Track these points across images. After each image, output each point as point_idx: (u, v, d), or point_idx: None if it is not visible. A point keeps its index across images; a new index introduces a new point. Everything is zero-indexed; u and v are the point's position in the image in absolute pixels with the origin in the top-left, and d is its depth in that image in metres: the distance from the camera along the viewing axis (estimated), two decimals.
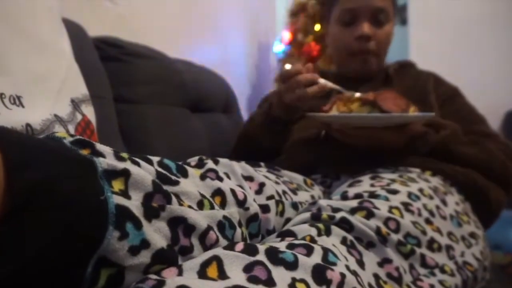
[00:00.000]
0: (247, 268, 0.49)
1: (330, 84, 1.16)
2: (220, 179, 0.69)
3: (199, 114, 1.72)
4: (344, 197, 0.84)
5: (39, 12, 0.84)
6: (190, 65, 1.81)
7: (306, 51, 3.41)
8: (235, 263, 0.50)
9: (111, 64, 1.36)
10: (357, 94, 1.18)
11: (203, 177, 0.64)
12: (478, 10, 3.67)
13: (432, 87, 1.36)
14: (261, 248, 0.53)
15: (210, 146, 1.67)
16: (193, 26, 2.50)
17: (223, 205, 0.64)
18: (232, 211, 0.64)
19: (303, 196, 0.91)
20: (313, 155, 1.23)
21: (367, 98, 1.10)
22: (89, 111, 0.92)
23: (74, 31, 1.15)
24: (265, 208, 0.74)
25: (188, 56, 1.89)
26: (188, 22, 2.44)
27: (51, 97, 0.79)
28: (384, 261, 0.69)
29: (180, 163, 0.65)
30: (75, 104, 0.86)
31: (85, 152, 0.48)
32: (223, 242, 0.59)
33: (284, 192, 0.84)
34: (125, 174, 0.49)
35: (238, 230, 0.63)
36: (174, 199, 0.53)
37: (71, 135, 0.50)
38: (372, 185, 0.90)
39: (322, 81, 1.14)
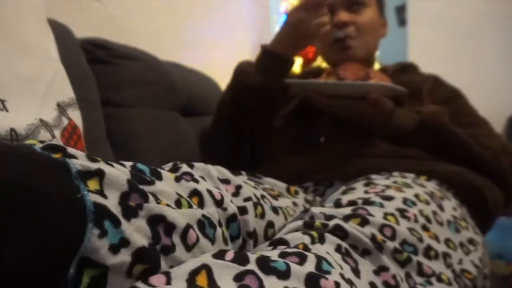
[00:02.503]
0: (238, 278, 0.49)
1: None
2: (196, 181, 0.70)
3: (190, 118, 1.72)
4: (338, 204, 0.84)
5: (24, 13, 0.84)
6: (181, 67, 1.82)
7: (301, 53, 3.42)
8: (225, 272, 0.50)
9: (99, 67, 1.36)
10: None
11: (178, 179, 0.66)
12: (479, 10, 3.66)
13: (428, 90, 1.37)
14: (252, 257, 0.53)
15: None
16: (184, 27, 2.50)
17: (201, 205, 0.65)
18: (211, 211, 0.65)
19: (284, 202, 0.92)
20: (305, 161, 1.24)
21: (335, 70, 1.27)
22: (75, 115, 0.92)
23: (60, 32, 1.15)
24: (242, 210, 0.75)
25: (179, 58, 1.90)
26: (178, 23, 2.44)
27: (37, 101, 0.79)
28: (380, 269, 0.69)
29: (153, 167, 0.65)
30: (61, 108, 0.87)
31: (57, 155, 0.49)
32: (203, 241, 0.59)
33: (263, 197, 0.85)
34: (99, 174, 0.50)
35: (219, 230, 0.64)
36: (151, 197, 0.54)
37: (41, 142, 0.51)
38: (366, 192, 0.91)
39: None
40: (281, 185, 1.03)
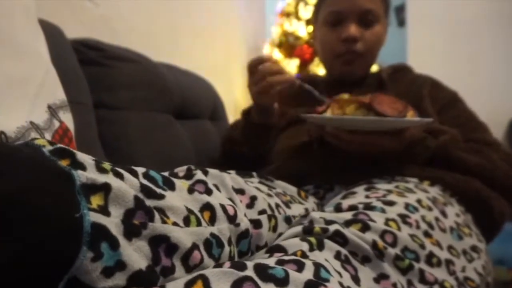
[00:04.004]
0: (235, 285, 0.49)
1: (299, 82, 1.23)
2: (209, 192, 0.69)
3: (184, 121, 1.72)
4: (338, 209, 0.84)
5: (14, 13, 0.84)
6: (175, 69, 1.82)
7: (298, 54, 3.42)
8: (222, 280, 0.49)
9: (91, 68, 1.36)
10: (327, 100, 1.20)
11: (191, 190, 0.65)
12: (479, 10, 3.67)
13: (428, 92, 1.37)
14: (249, 264, 0.53)
15: (196, 155, 1.67)
16: (177, 28, 2.50)
17: (212, 220, 0.64)
18: (222, 228, 0.64)
19: (296, 210, 0.91)
20: (305, 164, 1.24)
21: (363, 101, 1.11)
22: (67, 118, 0.92)
23: (52, 32, 1.14)
24: (257, 223, 0.74)
25: (173, 59, 1.89)
26: (172, 24, 2.44)
27: (27, 103, 0.79)
28: (381, 277, 0.69)
29: (166, 174, 0.65)
30: (52, 111, 0.86)
31: (64, 162, 0.48)
32: (208, 261, 0.59)
33: (277, 206, 0.85)
34: (105, 188, 0.49)
35: (226, 249, 0.63)
36: (157, 216, 0.53)
37: (51, 143, 0.50)
38: (367, 197, 0.91)
39: (291, 77, 1.22)
40: (292, 189, 1.03)
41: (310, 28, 3.38)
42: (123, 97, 1.44)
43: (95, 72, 1.37)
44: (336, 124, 1.13)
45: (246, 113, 1.42)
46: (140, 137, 1.44)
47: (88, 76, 1.32)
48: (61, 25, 1.27)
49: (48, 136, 0.80)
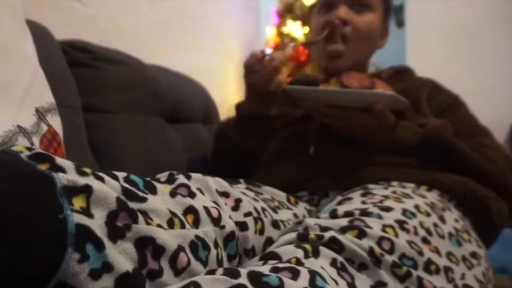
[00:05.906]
0: None
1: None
2: (193, 195, 0.70)
3: (176, 124, 1.72)
4: (334, 215, 0.84)
5: (1, 13, 0.84)
6: (166, 71, 1.81)
7: (293, 56, 3.42)
8: (215, 287, 0.50)
9: (80, 70, 1.36)
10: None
11: (173, 194, 0.65)
12: (480, 11, 3.67)
13: (428, 95, 1.36)
14: (243, 271, 0.53)
15: (188, 159, 1.67)
16: (169, 29, 2.50)
17: (196, 223, 0.64)
18: (207, 230, 0.64)
19: (284, 215, 0.91)
20: (298, 170, 1.24)
21: (339, 78, 1.22)
22: (55, 122, 0.92)
23: (39, 34, 1.14)
24: (242, 226, 0.75)
25: (164, 61, 1.89)
26: (163, 25, 2.44)
27: (14, 106, 0.79)
28: (378, 285, 0.69)
29: (148, 179, 0.65)
30: (40, 114, 0.86)
31: (43, 166, 0.48)
32: (195, 264, 0.59)
33: (264, 209, 0.85)
34: (86, 190, 0.49)
35: (213, 251, 0.63)
36: (141, 217, 0.53)
37: (29, 149, 0.50)
38: (363, 202, 0.91)
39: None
40: (281, 194, 1.03)
41: (306, 29, 3.38)
42: (113, 100, 1.43)
43: (84, 74, 1.37)
44: (309, 95, 1.22)
45: (239, 106, 1.39)
46: (131, 141, 1.44)
47: (77, 78, 1.32)
48: (49, 26, 1.27)
49: (36, 140, 0.80)
